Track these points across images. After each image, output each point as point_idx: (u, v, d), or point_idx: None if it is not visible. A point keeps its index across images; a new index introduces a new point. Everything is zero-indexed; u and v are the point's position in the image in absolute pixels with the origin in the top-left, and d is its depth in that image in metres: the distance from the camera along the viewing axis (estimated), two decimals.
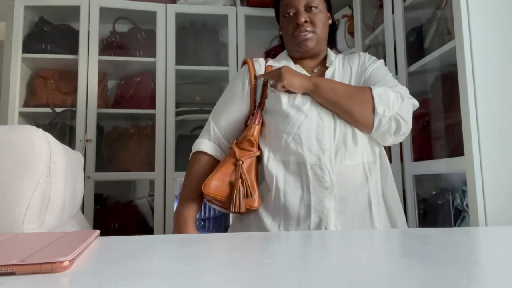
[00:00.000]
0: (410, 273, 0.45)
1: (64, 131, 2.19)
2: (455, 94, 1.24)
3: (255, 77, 1.16)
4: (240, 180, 1.04)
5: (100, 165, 2.18)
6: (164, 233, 2.13)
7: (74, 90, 2.18)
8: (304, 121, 1.05)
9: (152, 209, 2.24)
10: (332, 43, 1.29)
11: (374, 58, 1.21)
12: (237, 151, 1.07)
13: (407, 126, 1.05)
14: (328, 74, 1.16)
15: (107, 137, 2.33)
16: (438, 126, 1.60)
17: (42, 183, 0.75)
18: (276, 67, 1.17)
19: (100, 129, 2.25)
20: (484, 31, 1.21)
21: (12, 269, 0.43)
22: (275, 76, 1.08)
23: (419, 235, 0.73)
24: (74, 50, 2.20)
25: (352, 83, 1.14)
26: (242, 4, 2.45)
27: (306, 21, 1.14)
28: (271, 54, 2.46)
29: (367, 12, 2.07)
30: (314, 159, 1.02)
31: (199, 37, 2.41)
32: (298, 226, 1.03)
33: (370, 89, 1.05)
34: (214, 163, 1.13)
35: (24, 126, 0.76)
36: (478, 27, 1.21)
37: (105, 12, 2.25)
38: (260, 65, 1.19)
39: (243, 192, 1.03)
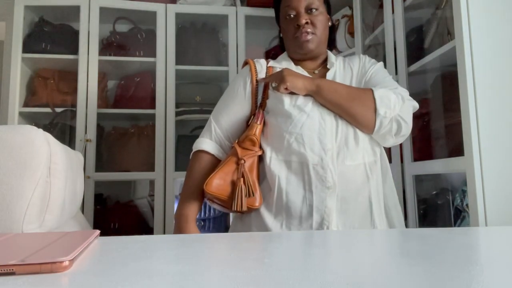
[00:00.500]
0: (410, 273, 0.45)
1: (64, 131, 2.18)
2: (455, 94, 1.24)
3: (257, 79, 1.17)
4: (242, 179, 1.04)
5: (100, 165, 2.18)
6: (164, 233, 2.13)
7: (74, 90, 2.18)
8: (307, 121, 1.05)
9: (152, 209, 2.24)
10: (331, 45, 1.30)
11: (374, 60, 1.22)
12: (239, 150, 1.07)
13: (407, 127, 1.06)
14: (329, 75, 1.16)
15: (107, 137, 2.33)
16: (438, 126, 1.60)
17: (42, 183, 0.75)
18: (277, 68, 1.18)
19: (100, 129, 2.25)
20: (484, 31, 1.21)
21: (12, 269, 0.43)
22: (277, 78, 1.09)
23: (419, 235, 0.73)
24: (74, 50, 2.20)
25: (353, 85, 1.15)
26: (242, 4, 2.45)
27: (307, 23, 1.15)
28: (271, 54, 2.46)
29: (367, 12, 2.07)
30: (316, 159, 1.03)
31: (199, 37, 2.41)
32: (300, 225, 1.03)
33: (372, 90, 1.06)
34: (215, 162, 1.13)
35: (24, 126, 0.76)
36: (478, 27, 1.21)
37: (105, 12, 2.25)
38: (262, 66, 1.20)
39: (245, 191, 1.03)
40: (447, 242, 0.64)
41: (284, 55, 1.26)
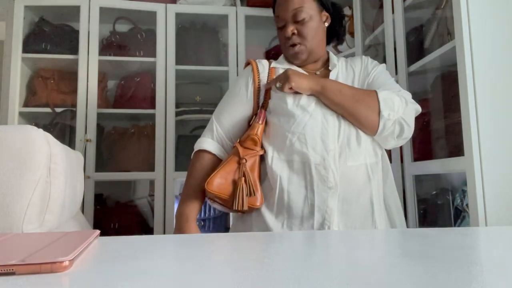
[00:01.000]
0: (410, 273, 0.45)
1: (64, 131, 2.18)
2: (455, 94, 1.24)
3: (259, 83, 1.17)
4: (243, 178, 1.04)
5: (100, 165, 2.18)
6: (164, 233, 2.13)
7: (74, 90, 2.17)
8: (309, 121, 1.05)
9: (152, 209, 2.24)
10: (336, 39, 1.29)
11: (376, 62, 1.22)
12: (240, 149, 1.08)
13: (410, 130, 1.07)
14: (331, 76, 1.16)
15: (107, 137, 2.33)
16: (438, 126, 1.60)
17: (42, 183, 0.75)
18: (280, 69, 1.18)
19: (100, 129, 2.25)
20: (484, 31, 1.21)
21: (12, 269, 0.43)
22: (282, 78, 1.09)
23: (419, 235, 0.73)
24: (74, 50, 2.20)
25: (355, 86, 1.15)
26: (242, 4, 2.45)
27: (293, 33, 1.15)
28: (271, 54, 2.46)
29: (367, 12, 2.07)
30: (318, 159, 1.03)
31: (199, 37, 2.41)
32: (301, 225, 1.03)
33: (376, 92, 1.06)
34: (216, 162, 1.13)
35: (24, 126, 0.76)
36: (478, 27, 1.21)
37: (105, 12, 2.25)
38: (264, 67, 1.20)
39: (246, 191, 1.03)
40: (447, 242, 0.64)
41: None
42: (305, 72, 1.17)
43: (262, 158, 1.11)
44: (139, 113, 2.29)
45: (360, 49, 2.04)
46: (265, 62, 1.22)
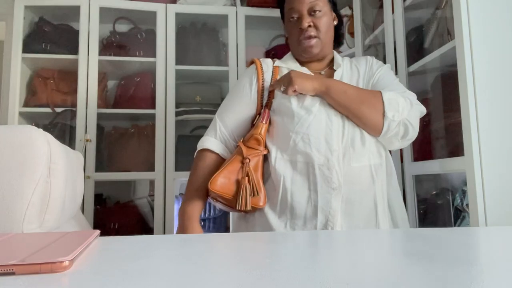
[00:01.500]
0: (410, 273, 0.45)
1: (64, 131, 2.18)
2: (455, 94, 1.24)
3: (263, 78, 1.16)
4: (247, 178, 1.04)
5: (100, 165, 2.18)
6: (164, 233, 2.13)
7: (74, 90, 2.17)
8: (313, 121, 1.05)
9: (152, 209, 2.23)
10: (339, 42, 1.28)
11: (381, 62, 1.22)
12: (244, 149, 1.07)
13: (414, 131, 1.07)
14: (336, 76, 1.16)
15: (107, 137, 2.33)
16: (438, 126, 1.60)
17: (42, 183, 0.75)
18: (284, 68, 1.17)
19: (100, 129, 2.25)
20: (484, 31, 1.21)
21: (12, 269, 0.43)
22: (285, 81, 1.08)
23: (419, 235, 0.73)
24: (74, 50, 2.20)
25: (360, 86, 1.14)
26: (242, 4, 2.45)
27: (310, 26, 1.13)
28: (271, 54, 2.46)
29: (367, 12, 2.06)
30: (322, 160, 1.02)
31: (199, 37, 2.41)
32: (304, 225, 1.03)
33: (381, 93, 1.05)
34: (219, 161, 1.13)
35: (24, 126, 0.76)
36: (478, 27, 1.21)
37: (105, 12, 2.25)
38: (268, 66, 1.19)
39: (249, 190, 1.03)
40: (447, 242, 0.64)
41: (289, 55, 1.25)
42: (310, 72, 1.17)
43: (266, 158, 1.11)
44: (139, 113, 2.29)
45: (360, 49, 2.04)
46: (269, 60, 1.21)
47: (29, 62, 2.23)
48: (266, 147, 1.10)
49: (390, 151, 1.16)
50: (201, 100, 2.37)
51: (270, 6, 2.42)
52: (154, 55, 2.28)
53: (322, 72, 1.20)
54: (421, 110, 1.11)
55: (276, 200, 1.06)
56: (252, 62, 1.22)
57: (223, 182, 1.04)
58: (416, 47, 1.65)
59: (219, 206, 1.11)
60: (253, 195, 1.03)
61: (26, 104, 2.19)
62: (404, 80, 1.61)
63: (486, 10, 1.22)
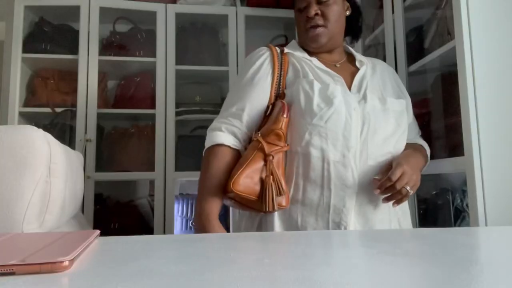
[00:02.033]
0: (410, 273, 0.45)
1: (64, 131, 2.18)
2: (455, 94, 1.24)
3: (280, 67, 1.10)
4: (271, 176, 0.95)
5: (100, 165, 2.18)
6: (164, 233, 2.13)
7: (74, 90, 2.17)
8: (333, 115, 1.00)
9: (152, 209, 2.23)
10: (354, 33, 1.26)
11: (394, 71, 1.28)
12: (265, 145, 0.98)
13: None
14: (359, 75, 1.13)
15: (107, 137, 2.33)
16: (438, 126, 1.60)
17: (42, 183, 0.75)
18: (292, 57, 1.13)
19: (100, 129, 2.25)
20: (484, 31, 1.21)
21: (12, 269, 0.43)
22: (411, 182, 1.00)
23: (419, 235, 0.73)
24: (74, 50, 2.20)
25: (390, 97, 1.11)
26: (242, 4, 2.45)
27: (317, 14, 1.09)
28: None
29: (367, 12, 2.06)
30: (338, 156, 0.99)
31: (199, 37, 2.41)
32: (316, 223, 0.99)
33: (426, 153, 1.21)
34: (236, 156, 1.05)
35: (24, 126, 0.76)
36: (478, 27, 1.20)
37: (105, 12, 2.25)
38: (279, 54, 1.13)
39: (276, 190, 0.95)
40: (447, 242, 0.64)
41: (294, 43, 1.20)
42: (319, 64, 1.11)
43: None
44: (139, 113, 2.29)
45: (360, 49, 2.04)
46: (278, 48, 1.15)
47: (29, 62, 2.23)
48: (286, 142, 1.02)
49: None
50: (201, 100, 2.37)
51: (270, 6, 2.42)
52: (154, 55, 2.28)
53: (337, 65, 1.15)
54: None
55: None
56: (265, 48, 1.15)
57: (246, 182, 0.95)
58: (416, 47, 1.65)
59: (234, 206, 1.04)
60: (279, 195, 0.95)
61: (26, 104, 2.19)
62: (404, 80, 1.61)
63: (486, 10, 1.22)
